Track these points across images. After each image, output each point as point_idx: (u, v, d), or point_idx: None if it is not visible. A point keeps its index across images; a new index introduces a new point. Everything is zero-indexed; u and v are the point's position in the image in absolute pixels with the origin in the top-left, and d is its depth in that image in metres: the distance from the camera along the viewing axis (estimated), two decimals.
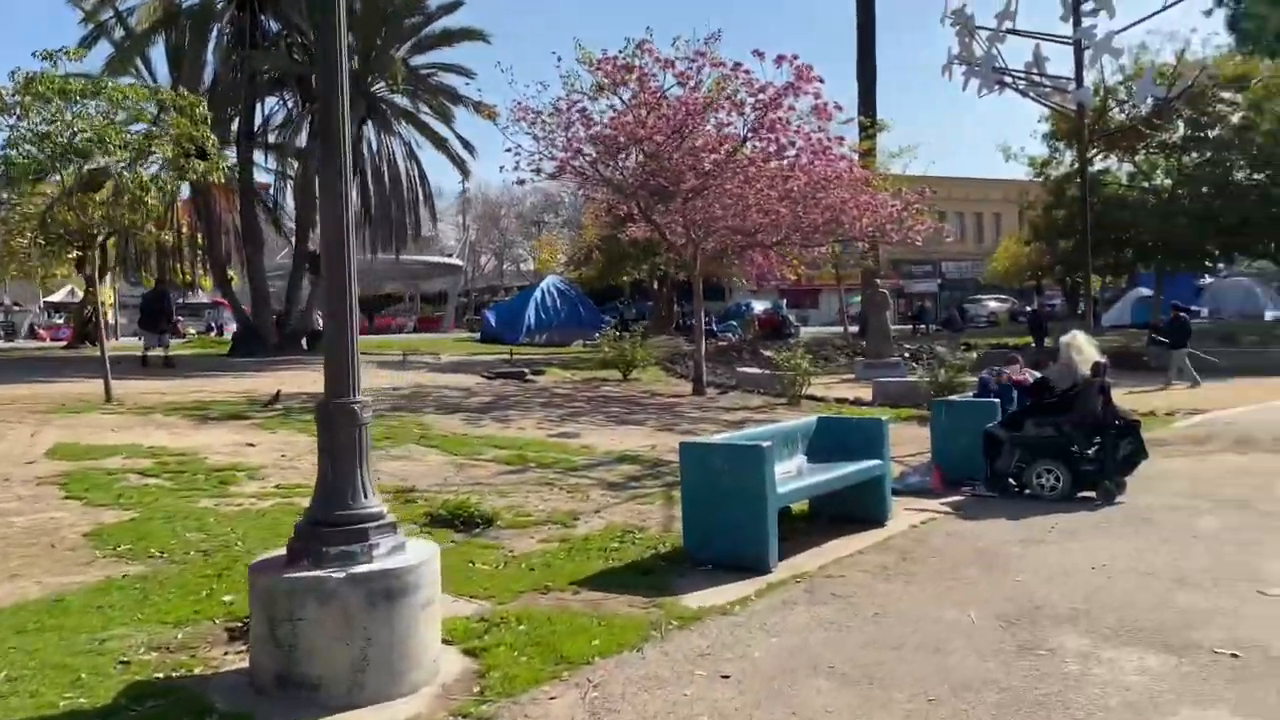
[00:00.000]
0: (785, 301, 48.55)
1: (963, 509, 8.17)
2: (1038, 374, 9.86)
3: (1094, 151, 28.52)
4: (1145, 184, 27.98)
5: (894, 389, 16.60)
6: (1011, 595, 5.58)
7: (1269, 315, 36.91)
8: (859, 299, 54.35)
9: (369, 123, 25.04)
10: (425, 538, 5.89)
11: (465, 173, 23.85)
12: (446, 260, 64.72)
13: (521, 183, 16.78)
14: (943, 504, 8.36)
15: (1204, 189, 26.42)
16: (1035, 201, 29.98)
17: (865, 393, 17.45)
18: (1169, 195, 26.80)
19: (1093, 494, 8.28)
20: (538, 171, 16.35)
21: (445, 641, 4.58)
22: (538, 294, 30.18)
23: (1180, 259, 26.47)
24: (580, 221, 38.42)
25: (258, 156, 26.02)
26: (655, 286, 36.59)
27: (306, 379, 15.75)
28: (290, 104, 26.33)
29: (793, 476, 6.78)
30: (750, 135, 15.82)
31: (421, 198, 25.66)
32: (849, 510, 7.56)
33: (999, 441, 8.70)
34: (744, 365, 24.13)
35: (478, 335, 31.52)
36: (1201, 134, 26.23)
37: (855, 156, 16.40)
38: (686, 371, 19.86)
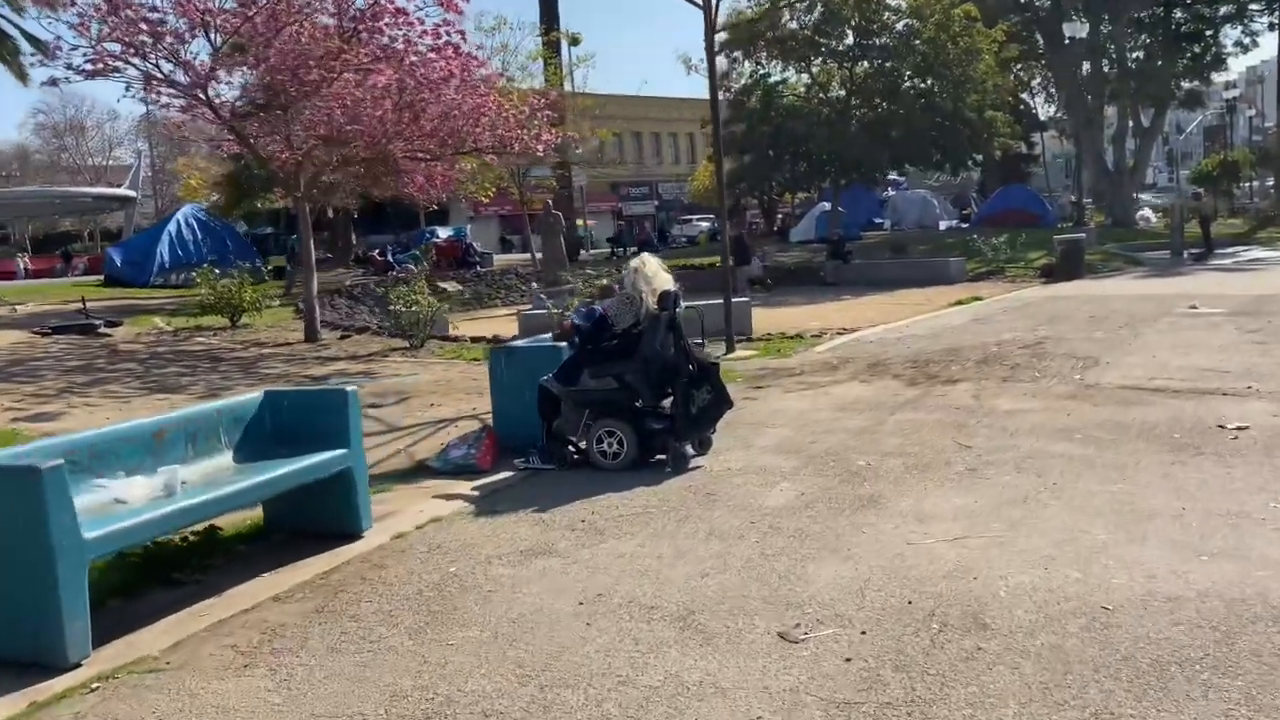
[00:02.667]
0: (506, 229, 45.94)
1: (496, 494, 6.20)
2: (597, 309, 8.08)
3: (771, 62, 27.80)
4: (822, 95, 27.63)
5: (536, 323, 14.66)
6: (417, 685, 3.56)
7: (943, 225, 38.65)
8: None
9: None
10: None
11: (23, 78, 19.20)
12: (115, 191, 56.67)
13: (53, 83, 13.08)
14: (477, 488, 6.36)
15: (874, 99, 26.36)
16: (705, 119, 28.99)
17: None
18: (842, 106, 26.53)
19: (665, 457, 6.56)
20: (69, 67, 12.74)
21: None
22: (172, 226, 25.79)
23: (853, 171, 26.37)
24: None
25: None
26: (330, 214, 32.85)
27: None
28: None
29: (159, 500, 4.40)
30: (354, 26, 13.02)
31: None
32: (314, 521, 5.36)
33: (555, 398, 6.78)
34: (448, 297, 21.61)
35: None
36: (870, 42, 26.03)
37: (481, 56, 13.97)
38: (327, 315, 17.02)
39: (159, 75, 13.12)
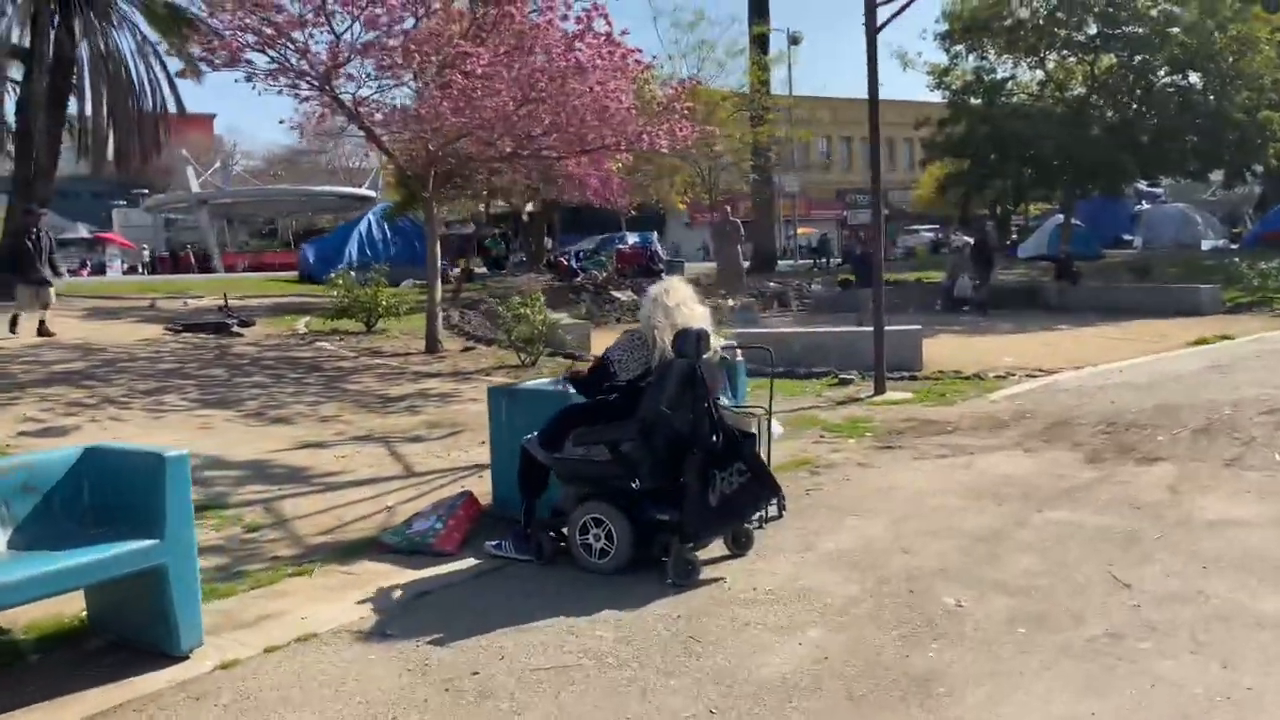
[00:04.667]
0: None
1: (418, 601, 4.58)
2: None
3: (1000, 56, 24.66)
4: (1058, 93, 24.16)
5: None
6: None
7: (1205, 245, 33.50)
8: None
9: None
10: None
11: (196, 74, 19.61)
12: (356, 191, 60.18)
13: (186, 73, 12.80)
14: (408, 585, 4.78)
15: (1119, 96, 22.68)
16: (931, 116, 26.10)
17: None
18: (1079, 105, 23.00)
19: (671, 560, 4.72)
20: (201, 59, 12.37)
21: None
22: (363, 225, 26.12)
23: (1091, 178, 22.76)
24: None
25: None
26: (525, 217, 32.65)
27: None
28: None
29: None
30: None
31: (171, 107, 21.33)
32: (135, 629, 3.97)
33: (543, 466, 5.09)
34: (577, 309, 20.56)
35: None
36: (1117, 31, 22.36)
37: (623, 41, 12.39)
38: (469, 324, 16.14)
39: (288, 65, 12.50)
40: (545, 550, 5.00)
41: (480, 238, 38.44)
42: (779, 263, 33.84)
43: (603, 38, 12.48)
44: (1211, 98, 21.71)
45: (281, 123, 69.28)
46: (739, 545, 5.05)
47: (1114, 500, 5.96)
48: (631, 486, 4.78)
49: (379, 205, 28.80)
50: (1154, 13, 21.92)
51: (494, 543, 5.19)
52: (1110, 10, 21.99)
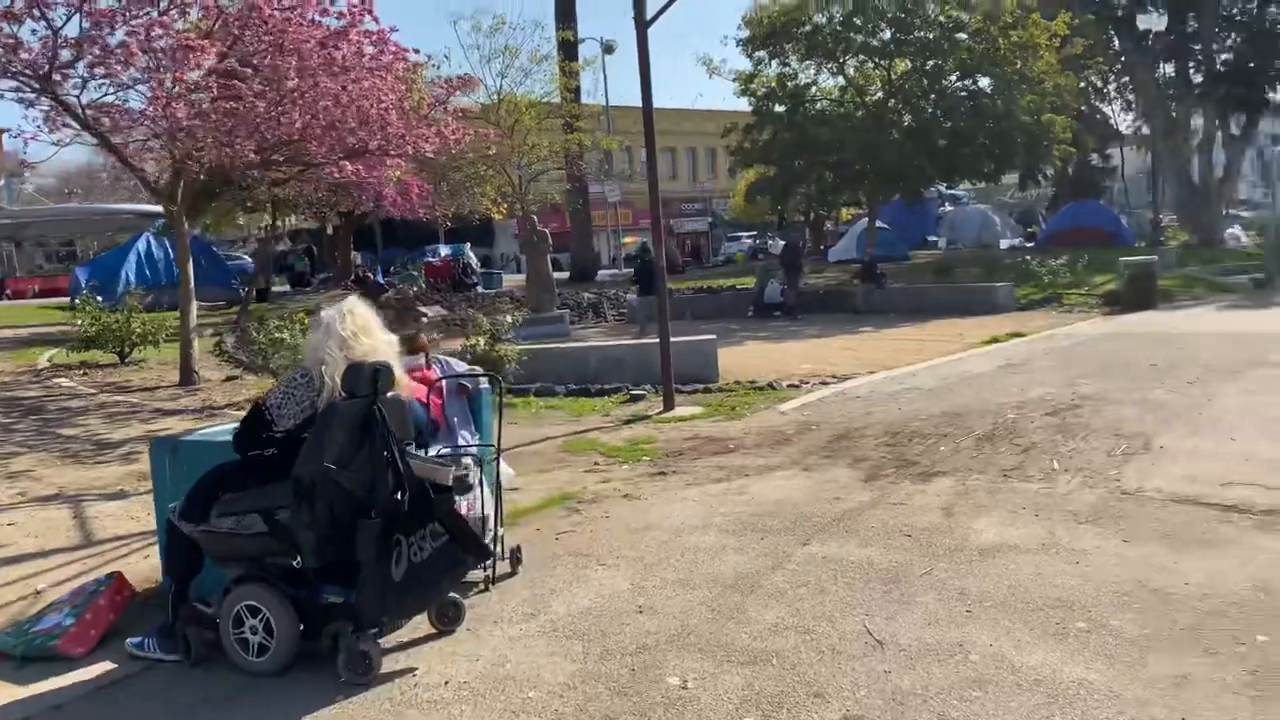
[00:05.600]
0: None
1: None
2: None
3: (803, 63, 24.84)
4: (858, 99, 24.56)
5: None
6: None
7: (1004, 244, 35.10)
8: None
9: None
10: None
11: None
12: (152, 208, 56.05)
13: None
14: (14, 703, 3.69)
15: (916, 100, 23.19)
16: (739, 123, 26.11)
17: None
18: (878, 111, 23.41)
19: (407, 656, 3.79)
20: None
21: None
22: (141, 244, 23.88)
23: (892, 182, 23.20)
24: None
25: None
26: (328, 231, 30.89)
27: None
28: None
29: None
30: None
31: None
32: None
33: (189, 542, 4.06)
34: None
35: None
36: (909, 36, 22.88)
37: (394, 39, 11.34)
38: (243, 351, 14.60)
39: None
40: (194, 648, 3.98)
41: (283, 254, 36.29)
42: (600, 272, 33.24)
43: (373, 35, 11.46)
44: (999, 101, 22.47)
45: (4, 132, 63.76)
46: (445, 620, 4.18)
47: (886, 527, 5.42)
48: (294, 564, 3.83)
49: (159, 222, 26.46)
50: (942, 19, 22.52)
51: (136, 640, 4.12)
52: (902, 16, 22.45)
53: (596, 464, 7.60)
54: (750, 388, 11.05)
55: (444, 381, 5.38)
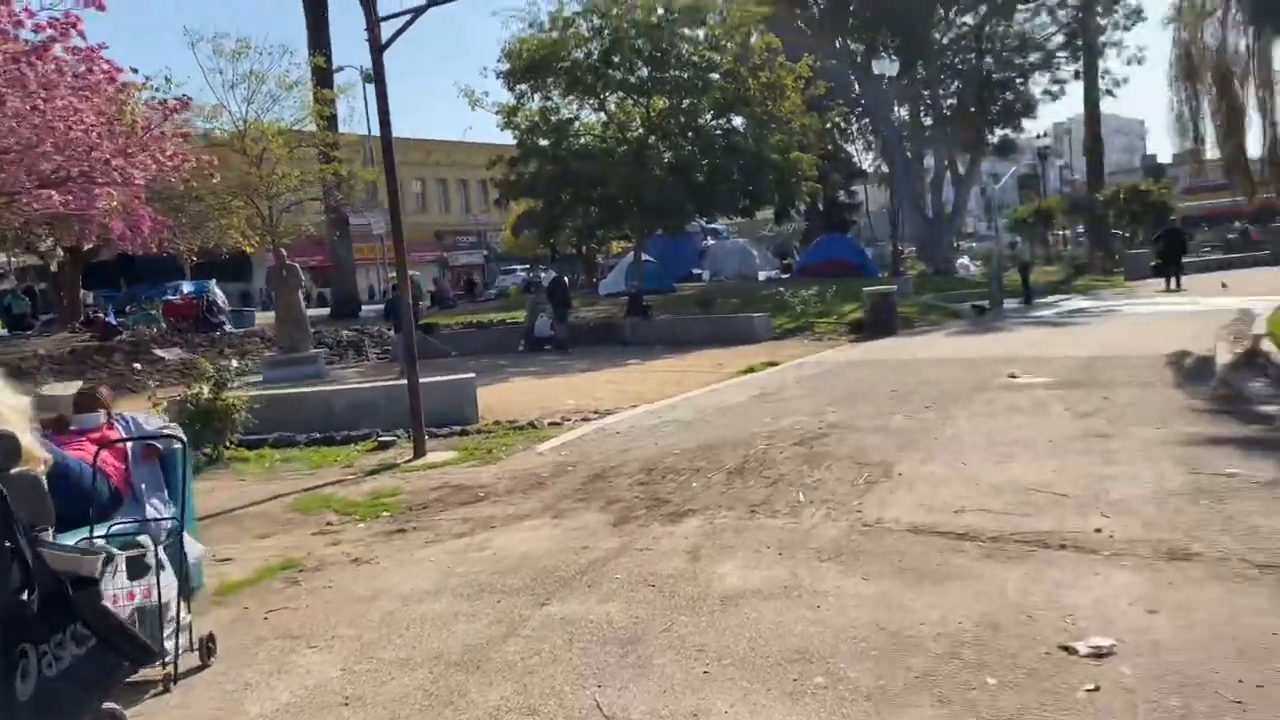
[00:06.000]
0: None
1: None
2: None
3: (566, 97, 24.86)
4: (620, 134, 24.86)
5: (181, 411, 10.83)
6: None
7: (762, 276, 36.58)
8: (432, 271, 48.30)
9: None
10: None
11: None
12: None
13: None
14: None
15: (674, 138, 23.74)
16: (501, 156, 25.83)
17: None
18: (639, 146, 23.78)
19: None
20: None
21: None
22: None
23: (655, 216, 23.60)
24: None
25: None
26: (55, 268, 27.90)
27: None
28: None
29: None
30: None
31: None
32: None
33: None
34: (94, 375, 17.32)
35: None
36: (666, 75, 23.44)
37: (105, 56, 10.14)
38: None
39: None
40: None
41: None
42: (365, 308, 31.88)
43: (81, 52, 10.24)
44: (751, 140, 23.34)
45: None
46: None
47: (630, 577, 5.13)
48: None
49: None
50: (696, 58, 23.22)
51: None
52: (658, 55, 22.94)
53: (329, 524, 6.92)
54: (510, 428, 10.62)
55: (130, 444, 4.67)
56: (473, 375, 11.50)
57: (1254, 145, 15.29)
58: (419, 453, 9.16)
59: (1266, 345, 11.85)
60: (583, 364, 18.15)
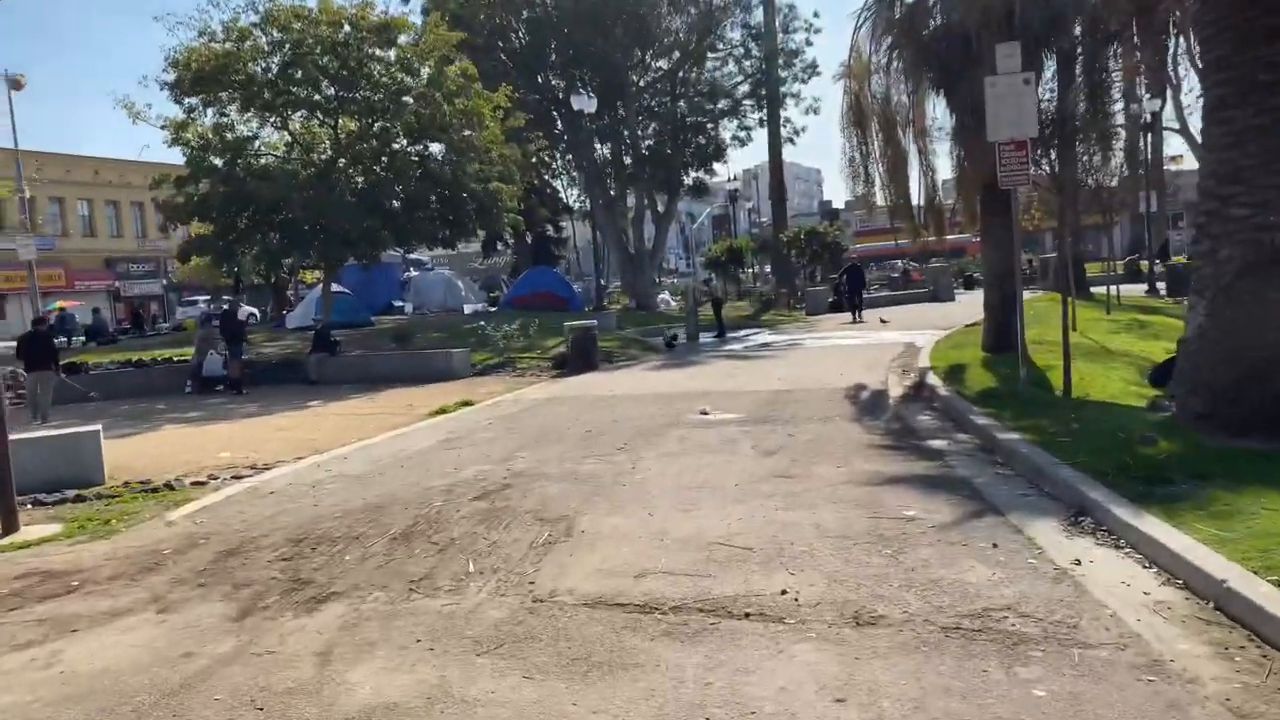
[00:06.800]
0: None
1: None
2: None
3: (244, 113, 22.69)
4: (306, 155, 23.04)
5: None
6: None
7: (468, 309, 35.61)
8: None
9: None
10: None
11: None
12: None
13: None
14: None
15: (366, 161, 22.30)
16: (167, 176, 23.20)
17: None
18: (327, 168, 22.12)
19: None
20: None
21: None
22: None
23: (345, 245, 21.98)
24: None
25: None
26: None
27: None
28: None
29: None
30: None
31: None
32: None
33: None
34: None
35: None
36: (354, 95, 21.98)
37: None
38: None
39: None
40: None
41: None
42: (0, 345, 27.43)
43: None
44: (448, 168, 22.38)
45: None
46: None
47: (235, 698, 4.04)
48: None
49: None
50: (387, 80, 21.97)
51: None
52: (345, 74, 21.47)
53: None
54: (143, 490, 9.01)
55: None
56: (97, 428, 9.65)
57: (915, 191, 16.53)
58: (9, 528, 7.39)
59: (931, 378, 12.53)
60: (254, 407, 16.34)
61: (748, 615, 4.64)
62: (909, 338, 19.72)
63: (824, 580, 5.08)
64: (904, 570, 5.18)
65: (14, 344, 19.14)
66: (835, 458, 8.32)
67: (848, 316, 28.27)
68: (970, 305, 28.52)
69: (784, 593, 4.91)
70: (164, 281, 62.64)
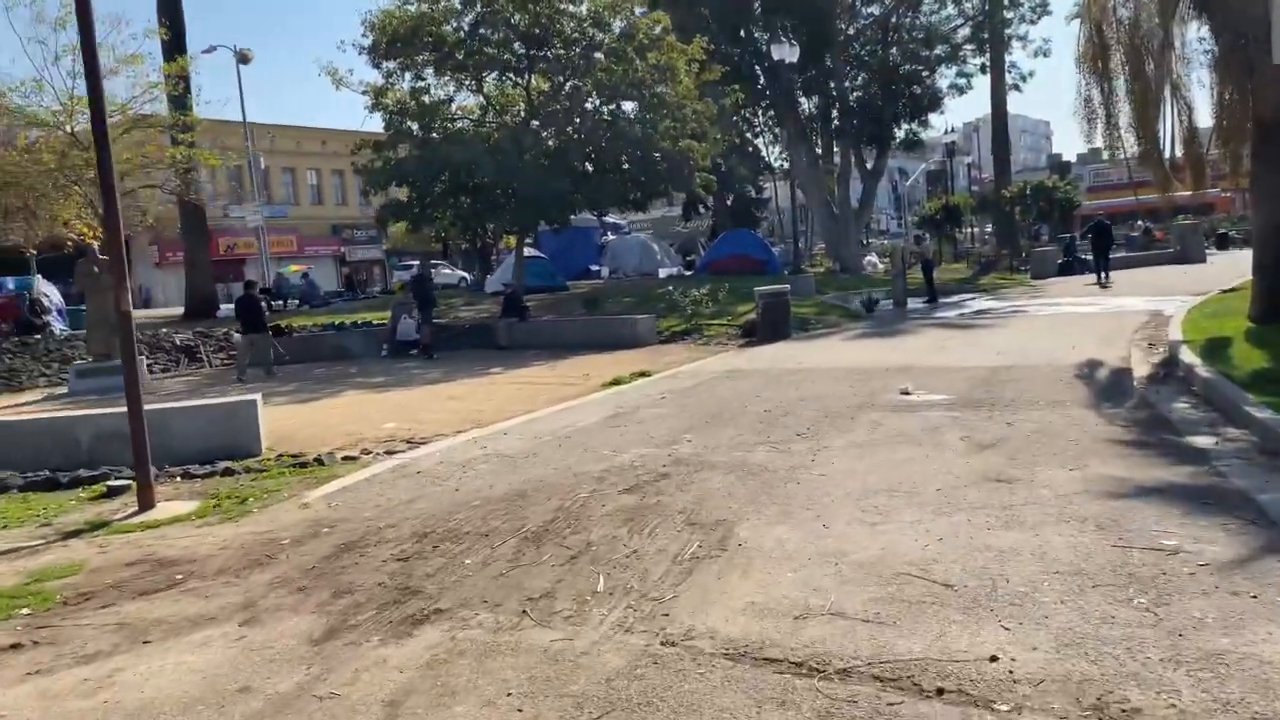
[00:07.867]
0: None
1: None
2: None
3: (440, 76, 22.68)
4: (500, 118, 22.79)
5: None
6: None
7: (663, 273, 34.86)
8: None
9: None
10: None
11: None
12: None
13: None
14: None
15: (559, 122, 21.75)
16: (366, 141, 23.55)
17: None
18: (519, 131, 21.73)
19: None
20: None
21: None
22: None
23: (536, 208, 21.58)
24: None
25: None
26: None
27: None
28: None
29: None
30: None
31: None
32: None
33: None
34: None
35: None
36: (542, 52, 21.40)
37: None
38: None
39: None
40: None
41: None
42: (225, 307, 29.15)
43: None
44: (638, 126, 21.49)
45: None
46: None
47: None
48: None
49: None
50: (577, 35, 21.25)
51: None
52: (536, 31, 20.92)
53: None
54: (293, 464, 8.60)
55: None
56: (254, 398, 9.34)
57: (1165, 135, 14.15)
58: (144, 504, 7.06)
59: (1185, 355, 10.45)
60: (438, 373, 16.11)
61: (941, 692, 3.39)
62: (1155, 304, 17.21)
63: (1050, 642, 3.73)
64: (1167, 633, 3.74)
65: (233, 306, 20.05)
66: (1066, 457, 6.75)
67: (1078, 280, 25.45)
68: (1226, 268, 25.01)
69: (994, 659, 3.60)
70: (383, 246, 65.73)
